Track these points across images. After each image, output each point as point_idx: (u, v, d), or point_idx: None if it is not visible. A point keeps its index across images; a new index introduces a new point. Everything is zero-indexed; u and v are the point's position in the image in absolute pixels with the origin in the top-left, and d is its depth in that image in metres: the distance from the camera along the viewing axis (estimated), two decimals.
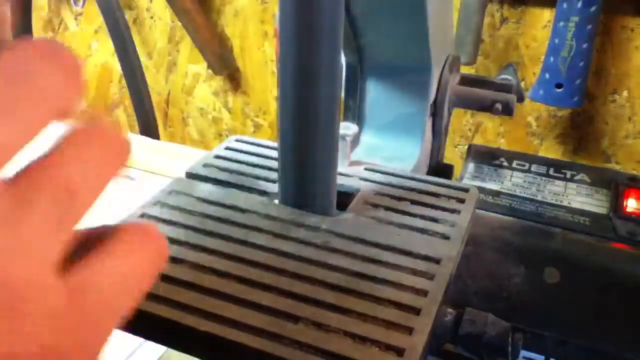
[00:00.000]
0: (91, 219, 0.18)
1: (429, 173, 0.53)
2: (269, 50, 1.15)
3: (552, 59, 0.85)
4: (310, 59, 0.33)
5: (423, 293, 0.31)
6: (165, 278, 0.31)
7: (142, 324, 0.27)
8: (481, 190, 0.49)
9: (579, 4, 0.80)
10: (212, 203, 0.39)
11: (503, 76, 0.58)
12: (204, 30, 1.15)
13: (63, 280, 0.17)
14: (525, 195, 0.55)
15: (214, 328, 0.29)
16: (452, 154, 1.08)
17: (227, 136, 1.29)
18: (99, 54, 1.36)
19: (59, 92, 0.17)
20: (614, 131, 0.96)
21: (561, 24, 0.82)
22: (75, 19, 1.35)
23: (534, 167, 0.58)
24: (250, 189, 0.40)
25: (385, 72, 0.49)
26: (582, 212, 0.53)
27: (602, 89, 0.94)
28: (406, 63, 0.47)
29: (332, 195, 0.38)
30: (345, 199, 0.40)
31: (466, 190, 0.41)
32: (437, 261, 0.34)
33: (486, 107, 0.52)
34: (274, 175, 0.41)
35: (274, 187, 0.40)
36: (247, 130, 1.26)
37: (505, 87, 0.53)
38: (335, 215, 0.38)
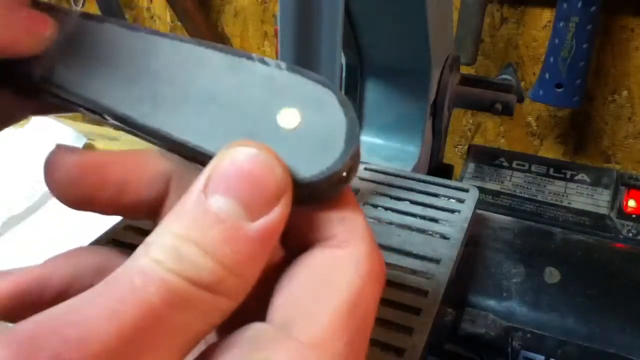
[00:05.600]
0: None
1: (429, 173, 0.53)
2: (269, 50, 1.15)
3: (552, 59, 0.85)
4: (310, 58, 0.33)
5: (423, 293, 0.32)
6: None
7: None
8: (481, 190, 0.49)
9: (579, 4, 0.80)
10: None
11: (503, 76, 0.58)
12: (204, 30, 1.15)
13: None
14: (525, 195, 0.55)
15: None
16: (452, 154, 1.08)
17: None
18: None
19: None
20: (614, 131, 0.96)
21: (561, 24, 0.82)
22: None
23: (534, 167, 0.58)
24: None
25: (385, 73, 0.49)
26: (582, 212, 0.53)
27: (602, 89, 0.94)
28: (406, 63, 0.47)
29: None
30: None
31: (466, 190, 0.41)
32: (437, 261, 0.34)
33: (486, 107, 0.52)
34: None
35: None
36: None
37: (505, 87, 0.53)
38: None
